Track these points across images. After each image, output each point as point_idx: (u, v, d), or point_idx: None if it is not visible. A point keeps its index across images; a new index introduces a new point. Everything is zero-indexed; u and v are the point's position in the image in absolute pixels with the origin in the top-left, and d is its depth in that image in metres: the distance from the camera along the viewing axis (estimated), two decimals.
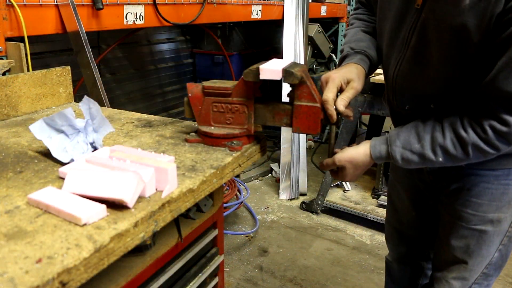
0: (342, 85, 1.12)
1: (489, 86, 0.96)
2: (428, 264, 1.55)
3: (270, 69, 0.99)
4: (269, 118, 1.06)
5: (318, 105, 1.01)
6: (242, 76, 1.02)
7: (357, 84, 1.14)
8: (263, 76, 0.99)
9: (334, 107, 1.05)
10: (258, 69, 0.99)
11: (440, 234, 1.34)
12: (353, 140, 3.64)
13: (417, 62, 1.11)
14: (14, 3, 1.54)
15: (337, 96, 1.10)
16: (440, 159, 1.02)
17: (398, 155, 1.08)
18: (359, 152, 1.14)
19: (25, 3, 1.59)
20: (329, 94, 1.06)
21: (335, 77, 1.11)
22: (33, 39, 1.67)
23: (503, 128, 0.93)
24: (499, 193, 1.16)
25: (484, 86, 0.97)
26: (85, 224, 0.69)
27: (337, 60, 4.26)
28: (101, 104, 1.74)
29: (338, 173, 1.19)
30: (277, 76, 0.98)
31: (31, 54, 1.57)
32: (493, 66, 0.95)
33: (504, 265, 1.30)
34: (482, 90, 0.98)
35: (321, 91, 1.11)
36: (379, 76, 2.57)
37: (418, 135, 1.06)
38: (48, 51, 2.56)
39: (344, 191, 3.27)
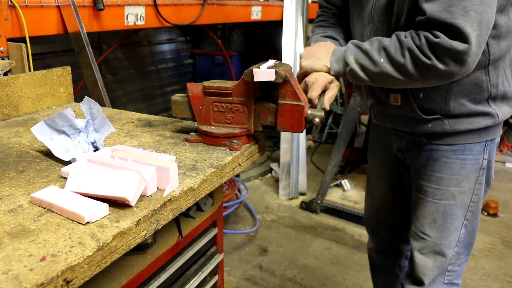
0: (326, 84, 1.24)
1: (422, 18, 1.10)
2: (407, 246, 1.67)
3: (264, 71, 1.00)
4: (254, 117, 1.08)
5: (302, 103, 1.03)
6: (242, 76, 1.03)
7: (338, 83, 1.28)
8: (257, 78, 1.01)
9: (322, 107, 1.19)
10: (252, 71, 1.01)
11: (411, 214, 1.45)
12: (352, 140, 3.66)
13: (379, 32, 1.26)
14: (16, 4, 1.55)
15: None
16: (382, 59, 1.14)
17: (352, 51, 1.19)
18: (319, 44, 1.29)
19: (26, 4, 1.60)
20: (314, 93, 1.19)
21: (319, 78, 1.23)
22: (35, 40, 1.68)
23: (435, 39, 1.05)
24: (457, 167, 1.30)
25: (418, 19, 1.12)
26: (88, 223, 0.70)
27: None
28: (102, 104, 1.75)
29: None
30: (271, 77, 1.00)
31: (32, 54, 1.58)
32: None
33: (473, 243, 1.41)
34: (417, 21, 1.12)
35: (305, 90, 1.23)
36: None
37: (370, 41, 1.19)
38: (49, 51, 2.57)
39: (344, 190, 3.28)
